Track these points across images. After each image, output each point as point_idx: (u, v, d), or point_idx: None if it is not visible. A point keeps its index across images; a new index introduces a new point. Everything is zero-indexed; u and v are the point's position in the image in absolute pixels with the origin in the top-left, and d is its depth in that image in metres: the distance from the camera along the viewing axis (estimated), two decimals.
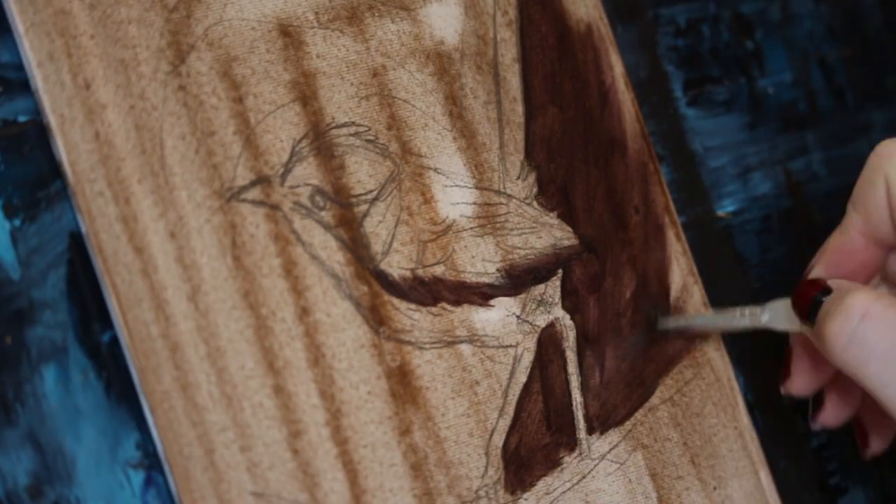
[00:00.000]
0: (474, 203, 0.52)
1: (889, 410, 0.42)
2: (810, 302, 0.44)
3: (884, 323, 0.41)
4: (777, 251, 0.63)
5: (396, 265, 0.50)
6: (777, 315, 0.48)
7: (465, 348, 0.50)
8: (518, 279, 0.52)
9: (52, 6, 0.45)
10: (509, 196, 0.53)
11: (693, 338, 0.55)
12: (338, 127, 0.49)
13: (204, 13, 0.47)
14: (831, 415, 0.51)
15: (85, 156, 0.44)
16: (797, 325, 0.47)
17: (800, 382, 0.48)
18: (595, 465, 0.52)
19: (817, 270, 0.46)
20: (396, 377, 0.49)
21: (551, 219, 0.54)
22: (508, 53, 0.54)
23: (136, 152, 0.45)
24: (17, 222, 0.45)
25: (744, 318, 0.50)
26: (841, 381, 0.51)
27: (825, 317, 0.42)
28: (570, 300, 0.53)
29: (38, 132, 0.45)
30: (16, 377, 0.44)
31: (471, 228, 0.52)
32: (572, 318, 0.53)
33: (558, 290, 0.53)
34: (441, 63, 0.52)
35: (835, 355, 0.42)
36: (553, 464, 0.51)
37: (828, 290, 0.43)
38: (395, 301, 0.49)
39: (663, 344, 0.54)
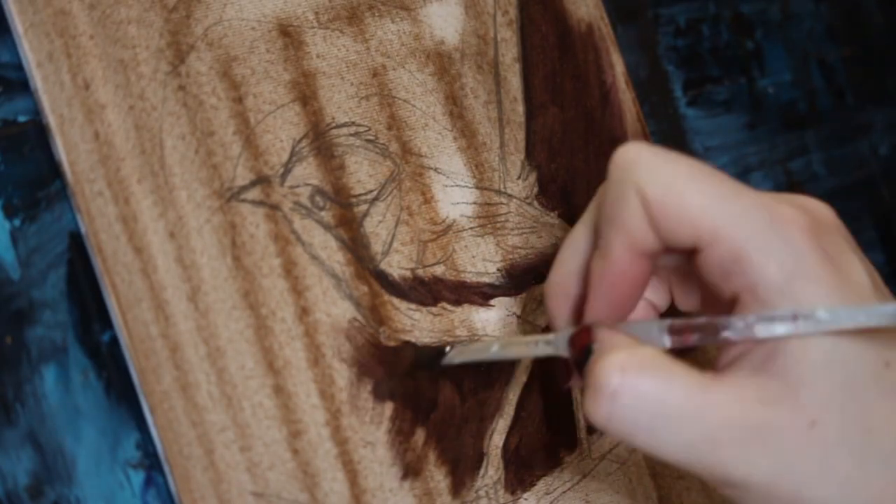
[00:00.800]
0: (475, 203, 0.52)
1: (673, 464, 0.40)
2: (580, 355, 0.41)
3: (638, 397, 0.38)
4: None
5: (396, 265, 0.50)
6: (562, 344, 0.44)
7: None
8: (518, 279, 0.52)
9: (52, 6, 0.45)
10: (510, 196, 0.53)
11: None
12: (338, 127, 0.49)
13: (204, 13, 0.47)
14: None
15: (84, 156, 0.44)
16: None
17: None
18: (595, 465, 0.52)
19: (592, 307, 0.42)
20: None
21: (552, 218, 0.54)
22: (509, 53, 0.54)
23: (136, 152, 0.45)
24: (17, 222, 0.45)
25: (532, 346, 0.45)
26: None
27: (584, 391, 0.39)
28: None
29: (38, 132, 0.45)
30: (16, 377, 0.44)
31: (471, 228, 0.52)
32: None
33: None
34: (441, 63, 0.52)
35: (602, 429, 0.39)
36: (553, 463, 0.51)
37: (590, 350, 0.41)
38: (395, 301, 0.49)
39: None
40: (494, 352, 0.47)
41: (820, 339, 0.38)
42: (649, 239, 0.40)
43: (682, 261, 0.43)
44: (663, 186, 0.39)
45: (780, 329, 0.37)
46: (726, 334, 0.38)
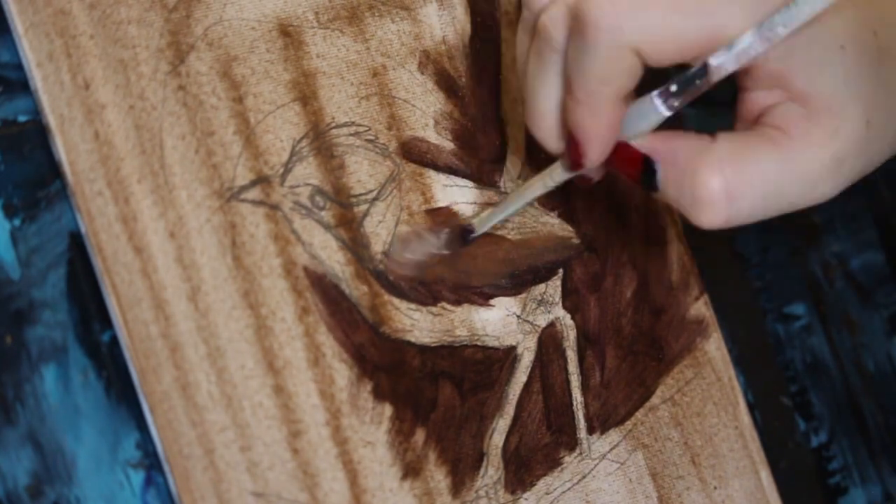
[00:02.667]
0: (474, 203, 0.52)
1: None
2: (641, 173, 0.43)
3: (748, 188, 0.41)
4: (777, 251, 0.63)
5: None
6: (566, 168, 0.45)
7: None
8: (518, 279, 0.52)
9: (52, 6, 0.45)
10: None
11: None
12: (338, 127, 0.49)
13: (204, 13, 0.47)
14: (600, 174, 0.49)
15: (84, 156, 0.44)
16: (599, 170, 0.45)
17: (596, 160, 0.45)
18: (595, 465, 0.52)
19: (595, 157, 0.43)
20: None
21: (552, 218, 0.54)
22: (509, 53, 0.54)
23: (136, 152, 0.45)
24: (17, 222, 0.45)
25: (549, 178, 0.47)
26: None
27: (683, 205, 0.42)
28: (571, 300, 0.53)
29: (38, 132, 0.45)
30: (16, 377, 0.44)
31: None
32: (573, 318, 0.53)
33: (559, 289, 0.53)
34: (441, 63, 0.52)
35: (719, 227, 0.42)
36: (553, 463, 0.51)
37: (652, 165, 0.42)
38: (395, 301, 0.49)
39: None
40: (514, 202, 0.49)
41: (815, 52, 0.41)
42: (639, 78, 0.42)
43: None
44: (659, 32, 0.40)
45: (744, 42, 0.39)
46: (712, 61, 0.40)
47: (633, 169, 0.43)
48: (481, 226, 0.50)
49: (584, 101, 0.42)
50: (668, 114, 0.42)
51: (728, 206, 0.41)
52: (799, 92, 0.42)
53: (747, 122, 0.44)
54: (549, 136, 0.45)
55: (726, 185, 0.41)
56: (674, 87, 0.41)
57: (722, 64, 0.40)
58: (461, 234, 0.50)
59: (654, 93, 0.42)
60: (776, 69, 0.42)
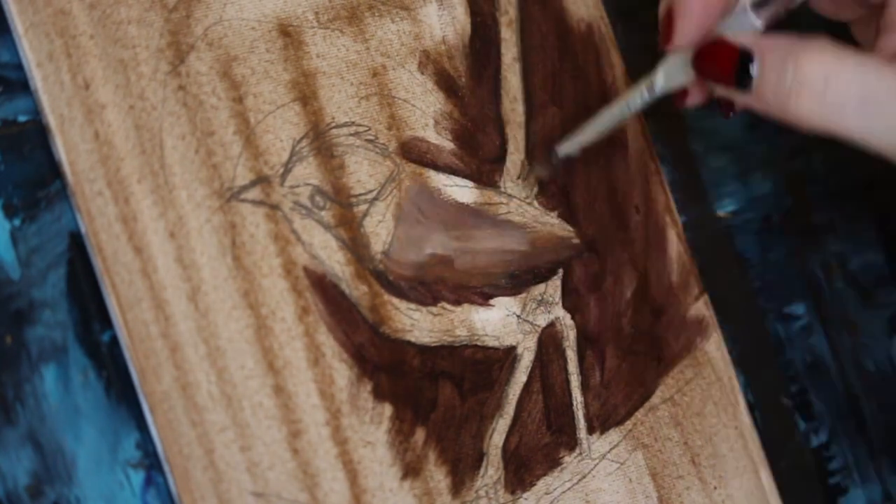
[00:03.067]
0: (474, 203, 0.52)
1: (876, 151, 0.42)
2: (735, 68, 0.42)
3: (848, 79, 0.40)
4: (777, 251, 0.63)
5: None
6: (672, 74, 0.45)
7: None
8: (518, 279, 0.52)
9: (52, 6, 0.45)
10: (510, 196, 0.53)
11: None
12: (338, 127, 0.49)
13: (204, 13, 0.47)
14: (697, 97, 0.49)
15: (84, 156, 0.44)
16: (691, 76, 0.45)
17: (685, 38, 0.44)
18: (595, 465, 0.52)
19: (686, 32, 0.44)
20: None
21: (552, 218, 0.54)
22: (509, 53, 0.54)
23: (136, 152, 0.45)
24: (17, 222, 0.45)
25: (637, 94, 0.47)
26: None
27: (779, 92, 0.41)
28: (571, 300, 0.53)
29: (38, 132, 0.45)
30: (16, 377, 0.44)
31: None
32: (573, 318, 0.53)
33: (559, 289, 0.53)
34: (441, 63, 0.52)
35: (806, 125, 0.41)
36: (553, 463, 0.51)
37: (748, 56, 0.42)
38: (395, 301, 0.49)
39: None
40: (601, 121, 0.48)
41: None
42: None
43: None
44: None
45: None
46: None
47: (727, 65, 0.42)
48: (567, 148, 0.49)
49: None
50: (759, 25, 0.42)
51: (826, 93, 0.40)
52: None
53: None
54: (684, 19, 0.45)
55: (827, 72, 0.40)
56: None
57: None
58: (547, 154, 0.49)
59: (748, 2, 0.42)
60: None
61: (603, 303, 0.54)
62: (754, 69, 0.42)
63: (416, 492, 0.48)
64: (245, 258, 0.46)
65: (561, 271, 0.53)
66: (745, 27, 0.42)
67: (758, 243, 0.63)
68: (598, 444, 0.53)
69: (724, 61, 0.43)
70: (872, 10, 0.46)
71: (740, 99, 0.43)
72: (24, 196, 0.45)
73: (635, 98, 0.46)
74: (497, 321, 0.51)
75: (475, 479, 0.49)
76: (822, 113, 0.41)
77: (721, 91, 0.44)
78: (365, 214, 0.49)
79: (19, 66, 0.45)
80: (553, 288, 0.53)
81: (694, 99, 0.47)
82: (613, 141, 0.56)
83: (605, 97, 0.56)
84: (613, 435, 0.53)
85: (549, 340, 0.52)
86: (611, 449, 0.53)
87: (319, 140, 0.49)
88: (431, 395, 0.49)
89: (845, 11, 0.47)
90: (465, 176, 0.52)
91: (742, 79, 0.42)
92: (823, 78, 0.40)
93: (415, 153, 0.51)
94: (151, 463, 0.45)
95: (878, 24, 0.44)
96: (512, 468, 0.50)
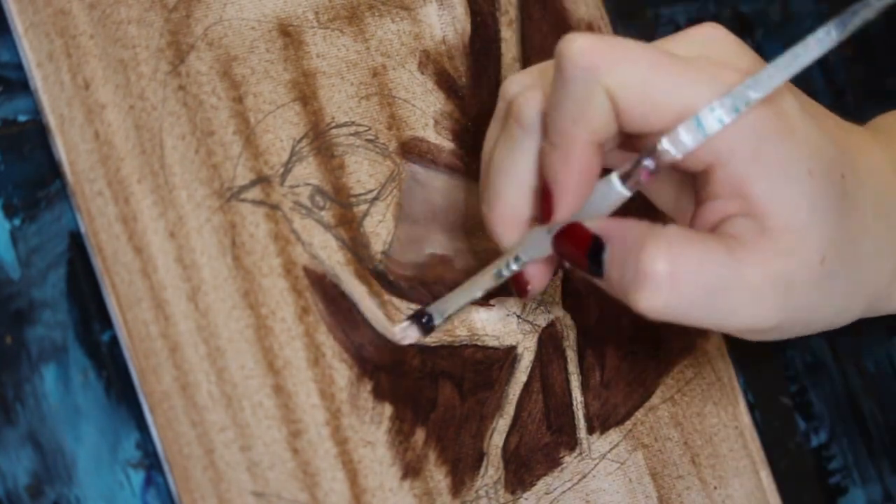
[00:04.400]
0: (475, 202, 0.52)
1: (721, 330, 0.42)
2: (587, 255, 0.42)
3: (693, 274, 0.40)
4: None
5: None
6: (529, 249, 0.45)
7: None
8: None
9: (52, 6, 0.45)
10: None
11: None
12: (338, 126, 0.49)
13: (204, 13, 0.47)
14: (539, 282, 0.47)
15: (84, 155, 0.44)
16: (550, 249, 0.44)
17: (565, 213, 0.44)
18: (595, 465, 0.52)
19: (562, 206, 0.43)
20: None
21: None
22: (509, 53, 0.54)
23: (136, 152, 0.45)
24: (17, 222, 0.45)
25: (503, 265, 0.45)
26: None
27: (623, 285, 0.41)
28: (571, 300, 0.53)
29: (38, 132, 0.45)
30: (16, 377, 0.44)
31: None
32: (573, 318, 0.53)
33: (559, 289, 0.53)
34: (441, 63, 0.52)
35: (653, 318, 0.41)
36: (553, 463, 0.51)
37: (600, 245, 0.42)
38: (396, 301, 0.49)
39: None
40: (464, 293, 0.47)
41: (787, 185, 0.41)
42: (612, 132, 0.41)
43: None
44: (633, 86, 0.40)
45: (711, 110, 0.40)
46: (664, 146, 0.40)
47: (580, 250, 0.42)
48: (438, 315, 0.48)
49: (558, 143, 0.42)
50: (627, 194, 0.42)
51: (669, 289, 0.40)
52: (758, 204, 0.41)
53: (703, 230, 0.43)
54: (506, 224, 0.45)
55: (671, 268, 0.39)
56: (632, 165, 0.41)
57: (682, 140, 0.40)
58: (419, 320, 0.48)
59: (615, 172, 0.42)
60: (739, 176, 0.41)
61: (603, 303, 0.54)
62: (604, 256, 0.41)
63: (416, 492, 0.48)
64: (245, 258, 0.46)
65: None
66: (611, 194, 0.42)
67: None
68: (598, 444, 0.53)
69: (578, 246, 0.42)
70: (687, 182, 0.45)
71: (596, 283, 0.43)
72: (24, 196, 0.45)
73: (501, 270, 0.46)
74: (497, 321, 0.51)
75: (475, 478, 0.49)
76: (665, 309, 0.40)
77: (578, 273, 0.44)
78: (365, 214, 0.49)
79: (19, 66, 0.45)
80: (553, 288, 0.53)
81: (537, 283, 0.46)
82: None
83: None
84: (613, 435, 0.53)
85: (549, 340, 0.52)
86: (611, 449, 0.53)
87: (319, 140, 0.49)
88: (431, 395, 0.49)
89: (665, 191, 0.47)
90: (465, 176, 0.52)
91: (594, 263, 0.42)
92: (667, 275, 0.40)
93: (415, 153, 0.51)
94: (151, 463, 0.45)
95: (699, 195, 0.43)
96: (512, 468, 0.50)
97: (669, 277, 0.39)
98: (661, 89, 0.40)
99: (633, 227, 0.41)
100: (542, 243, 0.44)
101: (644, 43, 0.41)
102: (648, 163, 0.41)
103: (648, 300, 0.40)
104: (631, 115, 0.41)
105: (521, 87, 0.44)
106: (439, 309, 0.47)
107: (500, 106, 0.46)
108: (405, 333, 0.48)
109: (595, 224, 0.42)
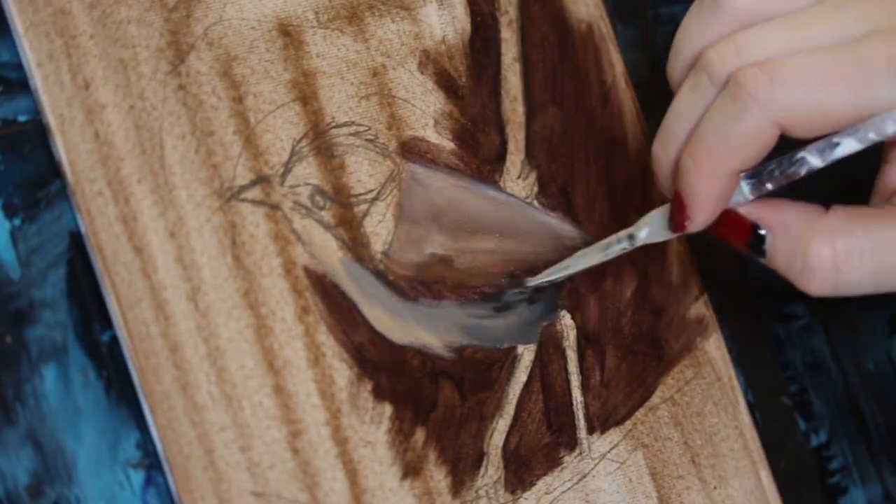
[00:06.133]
0: (474, 202, 0.52)
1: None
2: (749, 240, 0.43)
3: (859, 260, 0.41)
4: None
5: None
6: (655, 230, 0.46)
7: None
8: (518, 279, 0.52)
9: (52, 6, 0.45)
10: (510, 195, 0.53)
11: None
12: (338, 126, 0.49)
13: (204, 13, 0.47)
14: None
15: (84, 155, 0.44)
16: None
17: (699, 224, 0.44)
18: (595, 465, 0.52)
19: (698, 225, 0.43)
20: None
21: (552, 218, 0.54)
22: (509, 53, 0.54)
23: (136, 152, 0.45)
24: (17, 222, 0.45)
25: (620, 242, 0.47)
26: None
27: (791, 271, 0.42)
28: (571, 299, 0.53)
29: (38, 132, 0.45)
30: (16, 377, 0.44)
31: None
32: (573, 318, 0.53)
33: (559, 289, 0.53)
34: (441, 63, 0.52)
35: (820, 297, 0.42)
36: (553, 463, 0.51)
37: (761, 233, 0.42)
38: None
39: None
40: (576, 262, 0.49)
41: None
42: (764, 155, 0.42)
43: None
44: (804, 115, 0.40)
45: (848, 143, 0.40)
46: (803, 154, 0.41)
47: (741, 236, 0.43)
48: (537, 281, 0.50)
49: (704, 163, 0.42)
50: (751, 198, 0.43)
51: (836, 276, 0.41)
52: None
53: (882, 197, 0.44)
54: (670, 168, 0.45)
55: (835, 256, 0.41)
56: (767, 172, 0.42)
57: (808, 158, 0.41)
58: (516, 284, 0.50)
59: (744, 175, 0.42)
60: None
61: (603, 303, 0.54)
62: (766, 244, 0.43)
63: (416, 492, 0.48)
64: (245, 258, 0.46)
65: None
66: (736, 195, 0.43)
67: None
68: (598, 444, 0.53)
69: (738, 233, 0.43)
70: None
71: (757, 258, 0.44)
72: (24, 196, 0.45)
73: (613, 246, 0.47)
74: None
75: (475, 478, 0.49)
76: (835, 291, 0.42)
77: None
78: (365, 214, 0.49)
79: (19, 66, 0.45)
80: (553, 288, 0.53)
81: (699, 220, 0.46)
82: (613, 140, 0.56)
83: (604, 97, 0.56)
84: (613, 435, 0.53)
85: (549, 340, 0.52)
86: (611, 449, 0.53)
87: (319, 140, 0.49)
88: (431, 395, 0.49)
89: None
90: (465, 176, 0.52)
91: (757, 249, 0.43)
92: (833, 266, 0.41)
93: (415, 153, 0.51)
94: (151, 463, 0.45)
95: (882, 157, 0.44)
96: (512, 468, 0.50)
97: (837, 266, 0.41)
98: (838, 100, 0.40)
99: (794, 215, 0.42)
100: (661, 228, 0.45)
101: (814, 48, 0.40)
102: (773, 174, 0.42)
103: (819, 288, 0.42)
104: (803, 132, 0.41)
105: (712, 38, 0.43)
106: (543, 277, 0.49)
107: (684, 45, 0.44)
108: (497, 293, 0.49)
109: (750, 211, 0.43)
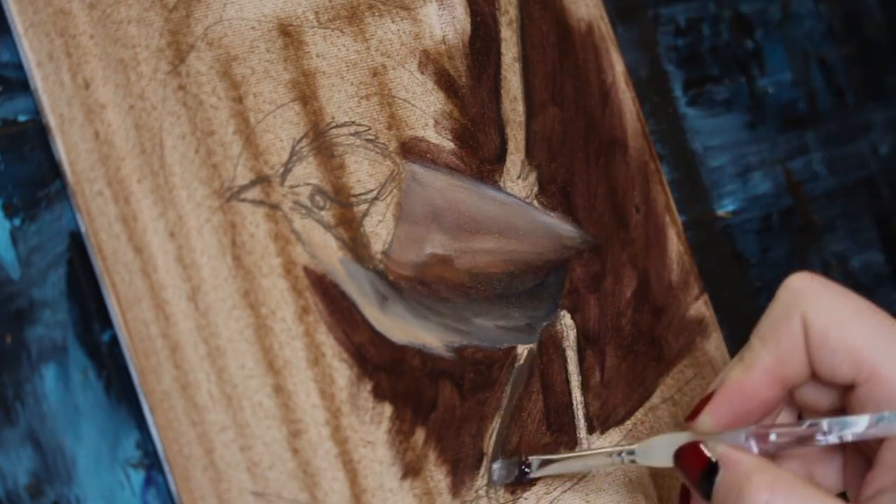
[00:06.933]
0: (474, 202, 0.52)
1: None
2: (701, 474, 0.43)
3: None
4: (777, 251, 0.63)
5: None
6: (652, 454, 0.46)
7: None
8: (519, 279, 0.52)
9: (52, 6, 0.45)
10: (510, 195, 0.53)
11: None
12: (338, 126, 0.49)
13: (204, 13, 0.47)
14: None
15: (84, 155, 0.44)
16: (669, 464, 0.46)
17: (709, 425, 0.46)
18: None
19: (710, 411, 0.44)
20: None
21: (552, 218, 0.54)
22: (509, 53, 0.54)
23: (136, 152, 0.45)
24: (17, 222, 0.45)
25: (615, 456, 0.47)
26: None
27: None
28: (571, 299, 0.53)
29: (38, 132, 0.45)
30: (16, 377, 0.44)
31: None
32: (573, 318, 0.53)
33: (559, 289, 0.53)
34: (441, 63, 0.52)
35: None
36: None
37: (715, 468, 0.43)
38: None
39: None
40: (573, 465, 0.50)
41: None
42: (799, 368, 0.42)
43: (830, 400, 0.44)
44: (828, 318, 0.41)
45: (859, 427, 0.40)
46: (802, 431, 0.41)
47: (695, 469, 0.43)
48: (537, 471, 0.50)
49: (745, 358, 0.43)
50: (756, 451, 0.43)
51: None
52: None
53: (864, 498, 0.43)
54: (713, 407, 0.45)
55: (770, 501, 0.40)
56: (773, 437, 0.42)
57: (816, 436, 0.41)
58: (518, 466, 0.50)
59: (751, 430, 0.43)
60: None
61: (603, 302, 0.54)
62: (715, 480, 0.42)
63: (416, 491, 0.48)
64: (245, 258, 0.46)
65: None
66: (739, 442, 0.43)
67: (758, 243, 0.63)
68: (598, 444, 0.53)
69: (694, 465, 0.43)
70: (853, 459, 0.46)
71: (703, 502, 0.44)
72: (24, 196, 0.45)
73: (614, 455, 0.47)
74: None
75: (475, 478, 0.49)
76: None
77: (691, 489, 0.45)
78: (365, 214, 0.49)
79: (19, 66, 0.45)
80: (553, 288, 0.53)
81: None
82: (613, 140, 0.56)
83: (605, 97, 0.56)
84: (613, 434, 0.53)
85: (549, 340, 0.52)
86: None
87: (319, 140, 0.49)
88: (431, 395, 0.49)
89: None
90: (465, 176, 0.52)
91: (705, 485, 0.43)
92: None
93: (415, 153, 0.51)
94: (151, 463, 0.45)
95: (872, 460, 0.44)
96: None
97: None
98: (857, 336, 0.41)
99: (748, 460, 0.42)
100: (662, 452, 0.45)
101: (872, 304, 0.42)
102: (774, 436, 0.42)
103: None
104: (819, 352, 0.41)
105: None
106: (540, 466, 0.49)
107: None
108: (499, 473, 0.49)
109: (715, 449, 0.43)
